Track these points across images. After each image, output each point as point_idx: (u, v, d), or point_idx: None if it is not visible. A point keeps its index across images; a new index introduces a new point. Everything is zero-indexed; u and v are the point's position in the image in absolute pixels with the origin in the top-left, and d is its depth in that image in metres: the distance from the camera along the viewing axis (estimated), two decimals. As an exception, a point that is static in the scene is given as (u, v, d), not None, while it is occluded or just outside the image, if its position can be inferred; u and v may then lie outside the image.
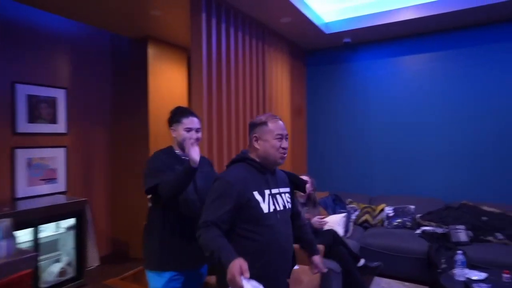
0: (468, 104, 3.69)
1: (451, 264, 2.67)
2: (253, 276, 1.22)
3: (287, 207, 1.54)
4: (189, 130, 1.73)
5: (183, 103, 4.10)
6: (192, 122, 1.75)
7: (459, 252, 2.38)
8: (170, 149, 1.80)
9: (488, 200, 3.50)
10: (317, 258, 1.68)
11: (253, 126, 1.51)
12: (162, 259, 1.70)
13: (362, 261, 2.85)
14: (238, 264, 1.20)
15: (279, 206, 1.49)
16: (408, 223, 3.57)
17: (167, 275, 1.71)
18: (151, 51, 3.80)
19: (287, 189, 1.59)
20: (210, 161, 2.00)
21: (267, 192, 1.46)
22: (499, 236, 3.14)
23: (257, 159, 1.49)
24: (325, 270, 1.69)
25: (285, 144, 1.47)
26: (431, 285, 2.94)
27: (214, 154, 2.77)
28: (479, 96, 3.64)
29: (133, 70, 3.84)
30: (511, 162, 3.50)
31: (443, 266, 2.80)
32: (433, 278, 2.85)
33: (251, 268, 1.23)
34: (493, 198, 3.51)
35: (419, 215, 3.59)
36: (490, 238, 3.15)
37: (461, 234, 3.10)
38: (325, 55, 4.50)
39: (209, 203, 1.40)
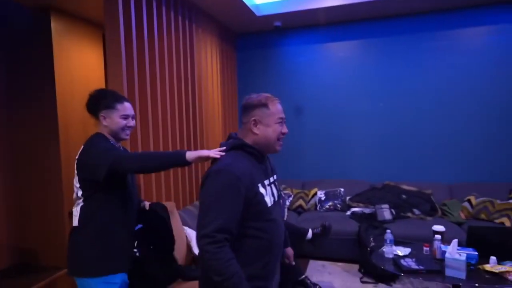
0: (393, 90, 3.93)
1: (379, 242, 2.82)
2: (255, 277, 1.17)
3: (279, 197, 1.40)
4: (125, 117, 1.61)
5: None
6: (128, 108, 1.63)
7: (388, 231, 2.50)
8: (103, 137, 1.59)
9: (407, 179, 3.81)
10: (290, 250, 1.62)
11: (251, 107, 1.29)
12: (111, 260, 1.51)
13: (309, 233, 2.88)
14: None
15: (275, 197, 1.33)
16: (338, 205, 3.71)
17: (118, 278, 1.50)
18: (56, 26, 3.21)
19: (275, 177, 1.43)
20: None
21: (266, 182, 1.29)
22: (416, 212, 3.44)
23: (255, 146, 1.29)
24: (293, 263, 1.66)
25: (285, 129, 1.31)
26: (362, 263, 3.09)
27: (139, 145, 2.46)
28: (404, 82, 3.89)
29: (33, 48, 3.22)
30: (425, 144, 3.84)
31: (372, 244, 2.95)
32: (363, 257, 3.00)
33: (253, 269, 1.15)
34: (410, 177, 3.83)
35: (348, 197, 3.75)
36: (409, 214, 3.43)
37: (386, 212, 3.31)
38: (256, 39, 4.39)
39: (213, 203, 1.13)
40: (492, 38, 3.60)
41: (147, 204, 1.78)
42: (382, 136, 3.99)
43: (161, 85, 2.72)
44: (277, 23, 3.89)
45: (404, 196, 3.58)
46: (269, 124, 1.28)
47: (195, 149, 3.27)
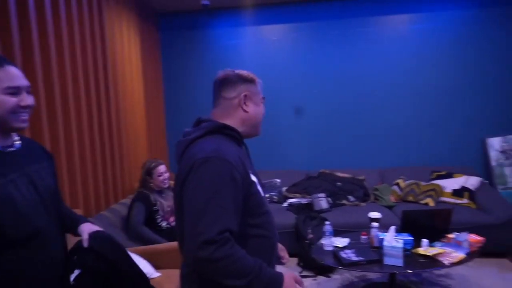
0: (326, 76, 3.86)
1: (318, 233, 2.72)
2: None
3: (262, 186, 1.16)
4: (15, 91, 0.97)
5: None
6: (17, 76, 0.98)
7: (327, 223, 2.39)
8: None
9: (341, 167, 3.80)
10: (281, 246, 1.32)
11: (240, 80, 1.09)
12: None
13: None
14: (293, 279, 0.99)
15: (261, 186, 1.12)
16: (275, 197, 3.56)
17: None
18: None
19: None
20: (45, 150, 1.20)
21: (253, 170, 1.10)
22: (351, 198, 3.44)
23: (238, 128, 1.08)
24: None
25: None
26: (300, 257, 2.97)
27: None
28: (337, 68, 3.84)
29: None
30: (357, 131, 3.87)
31: (310, 236, 2.83)
32: (302, 250, 2.88)
33: None
34: (344, 164, 3.83)
35: (285, 188, 3.62)
36: (344, 201, 3.42)
37: (322, 202, 3.24)
38: (182, 19, 3.97)
39: (208, 201, 0.90)
40: (417, 26, 3.72)
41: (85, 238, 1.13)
42: (316, 123, 3.93)
43: (58, 68, 2.18)
44: (205, 2, 3.54)
45: (339, 184, 3.56)
46: (257, 102, 1.12)
47: (111, 144, 2.79)
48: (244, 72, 1.13)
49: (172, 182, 2.43)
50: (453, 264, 2.04)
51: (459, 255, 2.09)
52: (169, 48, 4.02)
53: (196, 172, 0.94)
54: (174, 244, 2.16)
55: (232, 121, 1.08)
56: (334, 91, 3.86)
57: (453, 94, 3.72)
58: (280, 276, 0.98)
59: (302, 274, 2.83)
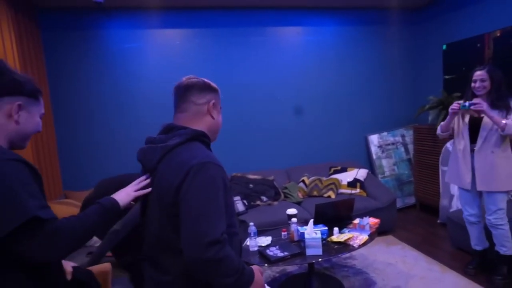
0: (230, 83, 3.94)
1: (240, 235, 2.75)
2: None
3: None
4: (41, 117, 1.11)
5: None
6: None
7: (251, 224, 2.44)
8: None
9: (251, 169, 3.94)
10: None
11: (207, 88, 1.14)
12: None
13: None
14: (258, 271, 1.08)
15: None
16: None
17: None
18: None
19: None
20: None
21: None
22: (264, 198, 3.60)
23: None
24: None
25: None
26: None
27: None
28: (240, 75, 3.95)
29: None
30: (264, 134, 4.07)
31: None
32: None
33: None
34: (254, 166, 3.98)
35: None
36: (258, 202, 3.55)
37: (239, 204, 3.30)
38: (70, 16, 3.50)
39: (210, 203, 0.96)
40: (309, 38, 4.14)
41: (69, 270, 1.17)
42: (222, 129, 3.97)
43: None
44: (99, -1, 3.20)
45: (251, 185, 3.68)
46: (219, 111, 1.19)
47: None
48: (208, 81, 1.18)
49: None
50: (361, 246, 2.35)
51: (364, 237, 2.41)
52: (55, 48, 3.49)
53: (196, 177, 0.97)
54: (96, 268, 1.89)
55: (200, 127, 1.12)
56: (238, 97, 3.98)
57: (340, 98, 4.28)
58: (251, 270, 1.06)
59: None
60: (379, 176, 4.28)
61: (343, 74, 4.26)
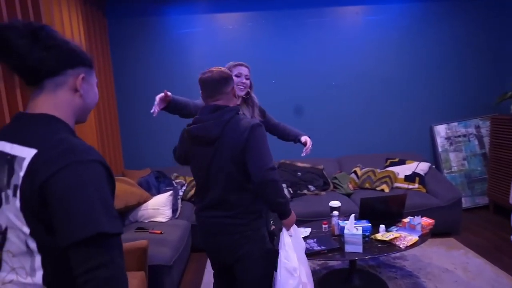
0: (284, 67, 3.83)
1: (279, 224, 2.70)
2: None
3: None
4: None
5: None
6: None
7: (289, 214, 2.37)
8: (67, 128, 0.89)
9: (301, 157, 3.81)
10: None
11: (230, 78, 1.56)
12: None
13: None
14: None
15: None
16: (236, 190, 3.50)
17: None
18: None
19: None
20: None
21: None
22: (312, 188, 3.48)
23: None
24: None
25: None
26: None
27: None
28: (294, 58, 3.81)
29: None
30: (315, 121, 3.91)
31: (273, 228, 2.81)
32: (265, 242, 2.86)
33: None
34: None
35: (245, 180, 3.57)
36: (305, 191, 3.45)
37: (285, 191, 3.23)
38: (131, 4, 3.71)
39: (266, 146, 1.49)
40: (370, 18, 3.81)
41: None
42: (274, 114, 3.89)
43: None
44: (156, -13, 3.33)
45: (299, 174, 3.59)
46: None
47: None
48: (226, 70, 1.57)
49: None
50: (408, 248, 2.14)
51: (413, 238, 2.19)
52: (119, 36, 3.74)
53: (257, 130, 1.47)
54: (135, 244, 2.04)
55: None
56: (291, 81, 3.85)
57: (402, 84, 3.88)
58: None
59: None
60: (445, 171, 3.84)
61: (407, 57, 3.85)
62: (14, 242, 0.79)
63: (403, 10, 3.80)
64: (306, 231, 2.41)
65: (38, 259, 0.79)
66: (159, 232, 2.59)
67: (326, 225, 2.45)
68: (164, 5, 3.71)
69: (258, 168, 1.43)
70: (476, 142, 3.86)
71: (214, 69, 1.54)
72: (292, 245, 1.60)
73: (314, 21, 3.81)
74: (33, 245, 0.78)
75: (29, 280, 0.80)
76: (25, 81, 0.85)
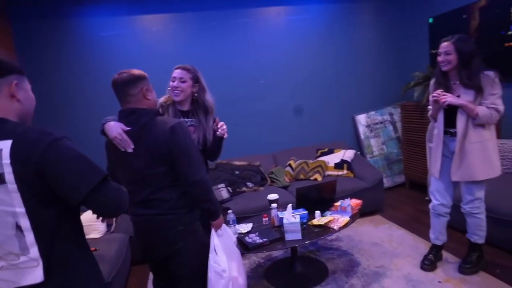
0: (211, 67, 3.82)
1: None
2: None
3: None
4: None
5: None
6: None
7: (230, 211, 2.41)
8: None
9: (237, 155, 3.88)
10: None
11: (139, 79, 1.51)
12: None
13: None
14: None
15: None
16: (175, 195, 3.42)
17: None
18: None
19: None
20: None
21: None
22: (250, 184, 3.56)
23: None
24: None
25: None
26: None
27: None
28: (220, 59, 3.85)
29: None
30: (249, 119, 4.00)
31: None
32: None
33: None
34: (240, 153, 3.92)
35: (184, 184, 3.51)
36: (244, 188, 3.52)
37: (223, 192, 3.26)
38: (42, 5, 3.38)
39: (192, 146, 1.52)
40: (292, 17, 4.01)
41: None
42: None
43: None
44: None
45: (237, 172, 3.64)
46: (152, 90, 1.56)
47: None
48: (137, 72, 1.52)
49: None
50: (341, 228, 2.32)
51: (345, 218, 2.38)
52: (27, 40, 3.39)
53: (177, 130, 1.46)
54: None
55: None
56: (221, 81, 3.88)
57: (326, 79, 4.18)
58: None
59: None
60: (368, 156, 4.23)
61: (328, 54, 4.15)
62: None
63: (321, 10, 4.08)
64: (248, 226, 2.46)
65: (30, 236, 0.91)
66: (93, 249, 2.42)
67: (266, 218, 2.53)
68: (81, 7, 3.46)
69: (189, 169, 1.47)
70: (391, 128, 4.32)
71: (125, 71, 1.50)
72: (221, 244, 1.64)
73: (239, 21, 3.89)
74: (25, 223, 0.91)
75: (22, 259, 0.91)
76: None
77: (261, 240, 2.20)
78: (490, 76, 2.05)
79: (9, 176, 0.87)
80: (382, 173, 3.89)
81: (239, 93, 3.95)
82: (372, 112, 4.30)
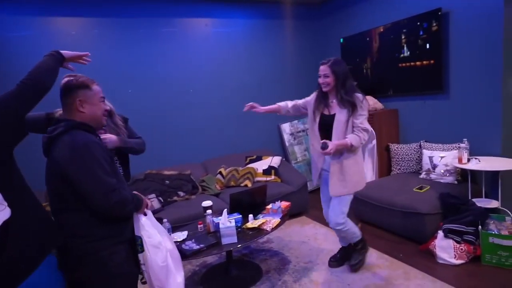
0: (140, 76, 3.73)
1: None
2: None
3: None
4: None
5: None
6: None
7: (165, 220, 2.37)
8: None
9: (167, 165, 3.82)
10: None
11: (76, 89, 1.42)
12: None
13: None
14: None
15: None
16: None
17: None
18: None
19: None
20: None
21: None
22: (181, 193, 3.53)
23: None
24: None
25: (106, 106, 1.69)
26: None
27: None
28: (149, 68, 3.79)
29: None
30: (178, 128, 3.97)
31: (147, 239, 2.73)
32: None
33: None
34: (170, 162, 3.87)
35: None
36: (175, 197, 3.47)
37: (154, 202, 3.18)
38: None
39: (95, 168, 1.35)
40: (219, 30, 4.14)
41: None
42: (134, 125, 3.77)
43: None
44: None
45: (167, 182, 3.57)
46: (94, 103, 1.47)
47: None
48: (80, 79, 1.44)
49: None
50: (273, 229, 2.47)
51: (277, 220, 2.54)
52: None
53: (79, 152, 1.35)
54: None
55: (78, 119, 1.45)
56: (149, 90, 3.81)
57: (253, 88, 4.39)
58: (136, 194, 1.60)
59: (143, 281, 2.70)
60: (293, 162, 4.54)
61: (253, 66, 4.38)
62: None
63: (248, 24, 4.31)
64: (183, 234, 2.45)
65: None
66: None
67: (202, 225, 2.56)
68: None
69: (97, 194, 1.34)
70: (312, 136, 4.73)
71: (72, 75, 1.45)
72: (150, 222, 1.58)
73: (168, 30, 3.88)
74: None
75: None
76: None
77: (198, 246, 2.22)
78: (359, 98, 2.25)
79: None
80: (306, 177, 4.21)
81: (168, 101, 3.91)
82: (295, 121, 4.64)
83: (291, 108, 2.65)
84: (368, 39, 4.00)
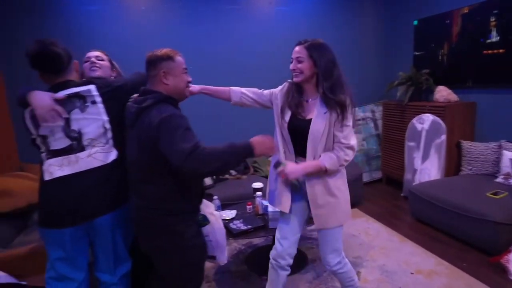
0: (198, 51, 3.78)
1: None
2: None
3: None
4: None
5: None
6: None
7: (215, 197, 2.41)
8: None
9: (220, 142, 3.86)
10: None
11: (158, 60, 1.45)
12: None
13: None
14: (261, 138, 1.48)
15: None
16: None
17: None
18: None
19: None
20: None
21: None
22: (233, 172, 3.57)
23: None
24: None
25: (189, 78, 1.59)
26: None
27: None
28: (208, 43, 3.79)
29: None
30: (236, 109, 3.98)
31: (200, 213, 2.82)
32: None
33: None
34: (225, 140, 3.90)
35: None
36: (226, 176, 3.52)
37: (206, 178, 3.25)
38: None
39: (182, 134, 1.31)
40: (283, 8, 4.00)
41: None
42: (196, 101, 3.86)
43: None
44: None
45: (220, 160, 3.63)
46: (177, 74, 1.48)
47: None
48: (163, 51, 1.46)
49: None
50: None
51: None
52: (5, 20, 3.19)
53: (167, 123, 1.36)
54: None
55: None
56: (207, 67, 3.83)
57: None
58: (248, 142, 1.52)
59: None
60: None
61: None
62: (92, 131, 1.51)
63: (311, 2, 4.10)
64: (232, 213, 2.48)
65: (109, 133, 1.55)
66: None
67: (250, 206, 2.56)
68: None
69: (179, 151, 1.29)
70: (372, 125, 4.44)
71: (158, 49, 1.48)
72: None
73: (231, 7, 3.84)
74: (108, 126, 1.54)
75: (107, 146, 1.54)
76: None
77: (245, 227, 2.22)
78: (347, 100, 1.61)
79: (98, 99, 1.52)
80: (361, 168, 4.00)
81: (227, 81, 3.91)
82: (355, 109, 4.38)
83: (253, 96, 2.07)
84: (448, 21, 3.57)
